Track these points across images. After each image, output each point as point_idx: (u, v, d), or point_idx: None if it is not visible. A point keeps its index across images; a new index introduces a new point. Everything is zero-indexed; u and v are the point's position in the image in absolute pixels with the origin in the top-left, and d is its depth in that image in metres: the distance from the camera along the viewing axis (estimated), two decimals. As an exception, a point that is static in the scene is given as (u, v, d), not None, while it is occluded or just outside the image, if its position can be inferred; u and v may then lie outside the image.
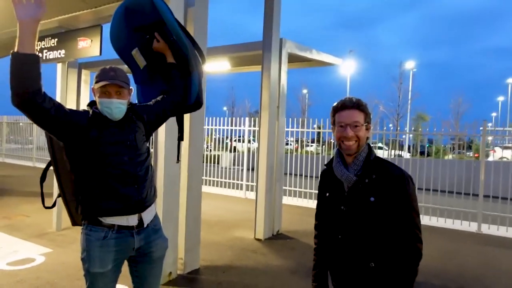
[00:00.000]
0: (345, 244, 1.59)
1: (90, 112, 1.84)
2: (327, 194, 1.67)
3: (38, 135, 14.18)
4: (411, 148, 9.06)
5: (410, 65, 33.33)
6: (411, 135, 8.46)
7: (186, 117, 3.68)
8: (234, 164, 10.52)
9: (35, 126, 14.10)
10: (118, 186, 1.80)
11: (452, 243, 5.59)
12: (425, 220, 6.69)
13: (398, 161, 7.62)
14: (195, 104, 2.29)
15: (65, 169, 1.90)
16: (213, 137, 10.62)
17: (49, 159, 2.01)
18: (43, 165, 1.85)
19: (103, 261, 1.80)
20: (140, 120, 1.96)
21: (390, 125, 31.90)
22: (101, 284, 1.83)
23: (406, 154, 11.20)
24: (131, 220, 1.85)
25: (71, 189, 1.91)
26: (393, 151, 9.42)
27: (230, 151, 11.04)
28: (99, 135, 1.79)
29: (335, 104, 1.62)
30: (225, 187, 9.72)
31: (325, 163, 1.73)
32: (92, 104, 1.90)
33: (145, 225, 1.91)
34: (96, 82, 1.83)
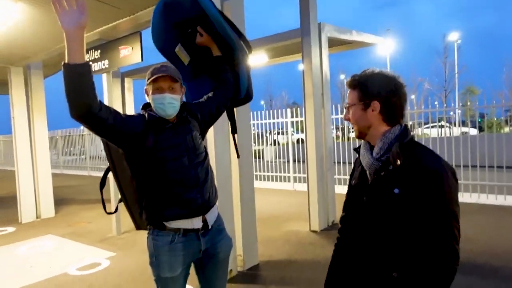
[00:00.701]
0: (363, 245, 1.34)
1: (146, 116, 1.80)
2: (353, 182, 1.47)
3: (89, 146, 14.95)
4: (468, 124, 8.38)
5: (454, 36, 31.30)
6: (459, 111, 7.86)
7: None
8: (277, 157, 10.44)
9: (86, 137, 14.98)
10: (181, 190, 1.75)
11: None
12: (491, 199, 6.25)
13: (462, 138, 7.13)
14: (245, 97, 2.25)
15: (126, 175, 1.87)
16: (253, 131, 10.58)
17: (103, 167, 2.00)
18: (97, 174, 1.80)
19: (172, 265, 1.78)
20: (194, 119, 1.90)
21: (436, 102, 30.35)
22: None
23: (473, 131, 10.45)
24: (196, 223, 1.81)
25: (133, 195, 1.88)
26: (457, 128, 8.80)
27: (272, 144, 10.94)
28: (156, 140, 1.73)
29: None
30: (271, 180, 9.68)
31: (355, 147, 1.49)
32: (146, 107, 1.86)
33: (209, 227, 1.87)
34: (148, 79, 1.78)
